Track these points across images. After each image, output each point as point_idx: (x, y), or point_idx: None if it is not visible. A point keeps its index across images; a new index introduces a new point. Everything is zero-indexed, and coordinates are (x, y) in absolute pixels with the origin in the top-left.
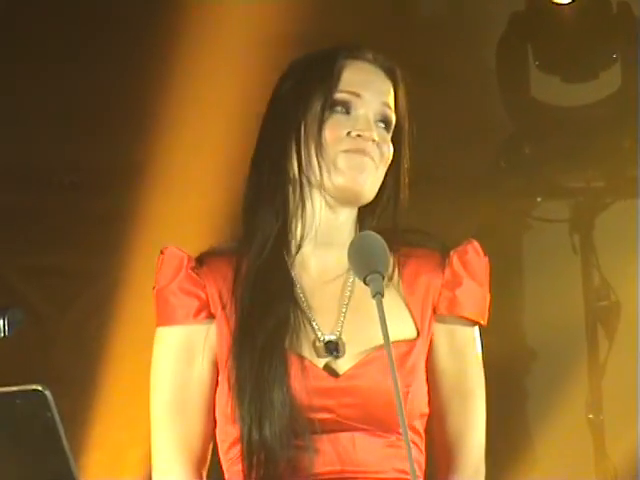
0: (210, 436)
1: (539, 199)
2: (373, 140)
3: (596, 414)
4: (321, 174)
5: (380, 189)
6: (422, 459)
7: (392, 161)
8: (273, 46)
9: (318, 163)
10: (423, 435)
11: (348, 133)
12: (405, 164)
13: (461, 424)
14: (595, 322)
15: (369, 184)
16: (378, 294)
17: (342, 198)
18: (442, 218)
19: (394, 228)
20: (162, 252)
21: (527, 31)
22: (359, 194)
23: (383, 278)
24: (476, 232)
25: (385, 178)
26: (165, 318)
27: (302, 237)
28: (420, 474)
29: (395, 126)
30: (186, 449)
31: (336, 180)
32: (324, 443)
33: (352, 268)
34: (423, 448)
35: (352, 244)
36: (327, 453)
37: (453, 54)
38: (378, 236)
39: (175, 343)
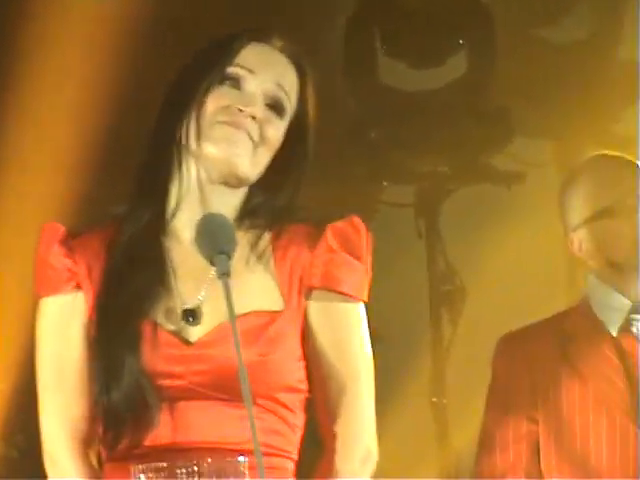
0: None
1: (385, 183)
2: (253, 117)
3: (439, 397)
4: (198, 143)
5: (273, 173)
6: (293, 436)
7: (291, 149)
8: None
9: (196, 132)
10: (295, 411)
11: (229, 105)
12: (307, 155)
13: (346, 403)
14: (439, 306)
15: (244, 160)
16: (224, 275)
17: (217, 171)
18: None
19: (274, 206)
20: (43, 227)
21: (374, 16)
22: (232, 167)
23: (229, 258)
24: (319, 216)
25: (278, 163)
26: (40, 289)
27: (177, 206)
28: (292, 451)
29: (299, 117)
30: (69, 428)
31: (208, 150)
32: (172, 411)
33: (199, 249)
34: (297, 424)
35: (199, 225)
36: (173, 421)
37: (299, 37)
38: (225, 217)
39: (50, 314)
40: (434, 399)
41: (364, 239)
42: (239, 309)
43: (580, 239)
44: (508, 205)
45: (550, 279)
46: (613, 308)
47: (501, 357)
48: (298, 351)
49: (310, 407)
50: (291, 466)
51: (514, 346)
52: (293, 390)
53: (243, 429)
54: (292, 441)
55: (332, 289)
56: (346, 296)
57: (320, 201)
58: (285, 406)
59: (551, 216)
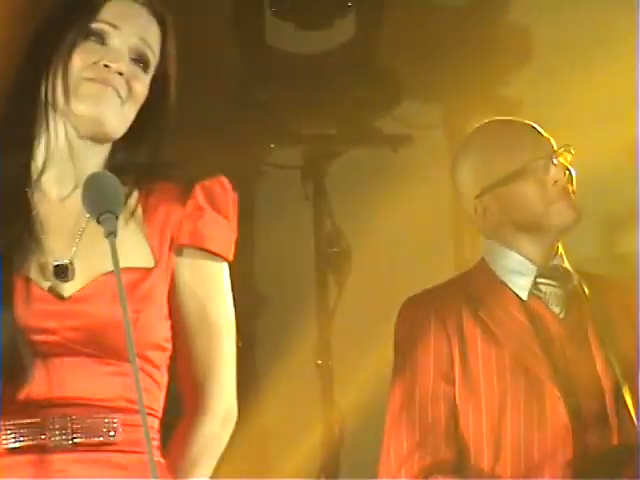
0: None
1: (272, 145)
2: (120, 73)
3: (325, 360)
4: (65, 101)
5: (136, 127)
6: (159, 394)
7: (153, 103)
8: None
9: (63, 89)
10: (161, 369)
11: (96, 62)
12: (169, 109)
13: (208, 364)
14: (325, 268)
15: (112, 117)
16: (111, 234)
17: (86, 128)
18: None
19: (143, 163)
20: None
21: None
22: (101, 125)
23: (116, 218)
24: (208, 175)
25: (140, 117)
26: None
27: (46, 162)
28: (158, 409)
29: (161, 71)
30: None
31: (76, 107)
32: (47, 367)
33: (85, 207)
34: (162, 383)
35: (86, 183)
36: (47, 377)
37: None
38: (112, 176)
39: None
40: (319, 361)
41: (231, 198)
42: (109, 266)
43: (485, 205)
44: (395, 168)
45: (437, 242)
46: (519, 272)
47: (410, 320)
48: (165, 309)
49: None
50: (157, 424)
51: (426, 307)
52: (160, 348)
53: (114, 386)
54: (158, 399)
55: (199, 247)
56: (213, 254)
57: (205, 162)
58: (153, 364)
59: (438, 179)
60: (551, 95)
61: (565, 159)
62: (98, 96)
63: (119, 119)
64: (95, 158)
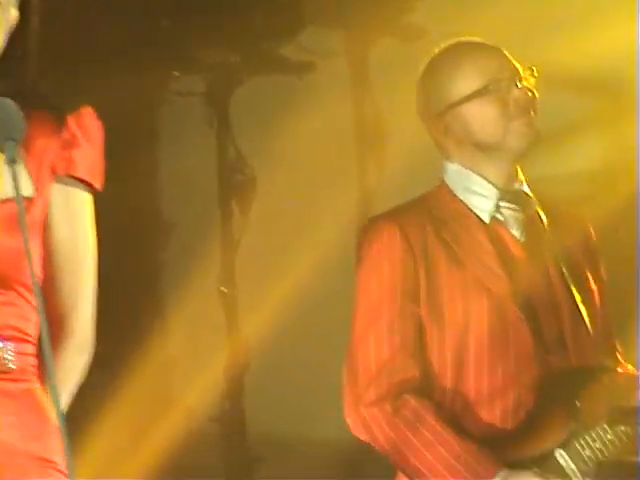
0: None
1: (176, 73)
2: None
3: (229, 287)
4: None
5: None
6: (36, 318)
7: (20, 28)
8: None
9: None
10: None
11: None
12: (33, 33)
13: (74, 293)
14: (230, 196)
15: None
16: (12, 162)
17: None
18: (73, 88)
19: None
20: None
21: None
22: None
23: (17, 145)
24: (111, 103)
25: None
26: None
27: None
28: (35, 335)
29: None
30: None
31: None
32: None
33: None
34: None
35: None
36: None
37: None
38: (12, 102)
39: None
40: (224, 289)
41: (98, 127)
42: (2, 194)
43: (447, 124)
44: (299, 95)
45: (341, 168)
46: (480, 195)
47: (376, 240)
48: (40, 236)
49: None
50: (34, 350)
51: (390, 228)
52: (37, 277)
53: (2, 315)
54: (36, 327)
55: (72, 175)
56: (85, 183)
57: (109, 91)
58: (32, 291)
59: (341, 106)
60: (457, 22)
61: (529, 82)
62: None
63: None
64: None
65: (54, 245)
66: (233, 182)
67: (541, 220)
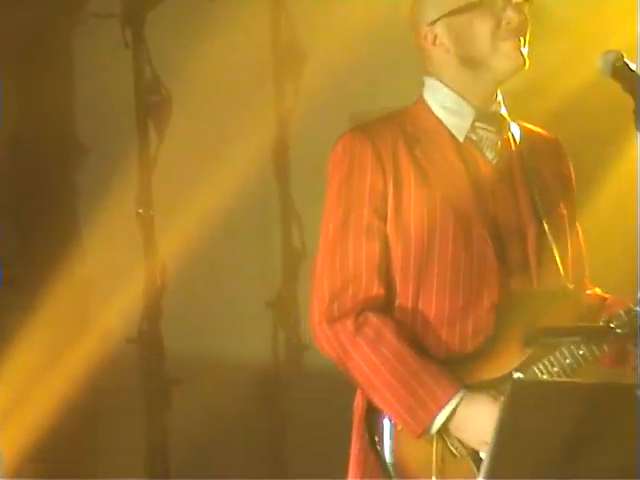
0: None
1: None
2: None
3: (146, 208)
4: None
5: None
6: None
7: None
8: None
9: None
10: None
11: None
12: None
13: None
14: (146, 117)
15: None
16: None
17: None
18: None
19: None
20: None
21: None
22: None
23: None
24: (26, 25)
25: None
26: None
27: None
28: None
29: None
30: None
31: None
32: None
33: None
34: None
35: None
36: None
37: None
38: None
39: None
40: (140, 210)
41: None
42: None
43: (436, 33)
44: (215, 14)
45: (256, 89)
46: (457, 113)
47: (347, 153)
48: None
49: None
50: None
51: (363, 142)
52: None
53: None
54: None
55: None
56: None
57: (23, 11)
58: None
59: (258, 27)
60: None
61: (524, 4)
62: None
63: None
64: None
65: None
66: (149, 103)
67: (516, 143)
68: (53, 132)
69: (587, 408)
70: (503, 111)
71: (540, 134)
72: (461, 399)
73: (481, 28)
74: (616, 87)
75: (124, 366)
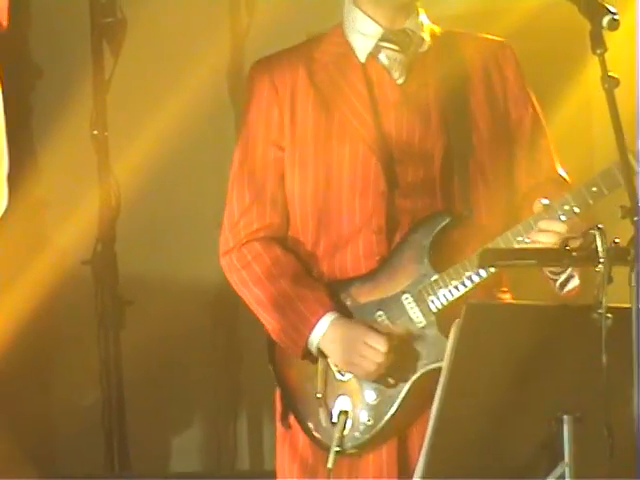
0: None
1: None
2: None
3: (100, 130)
4: None
5: None
6: None
7: None
8: None
9: None
10: None
11: None
12: None
13: None
14: (101, 38)
15: None
16: None
17: None
18: None
19: None
20: None
21: None
22: None
23: None
24: None
25: None
26: None
27: None
28: None
29: None
30: None
31: None
32: None
33: None
34: None
35: None
36: None
37: None
38: None
39: None
40: (95, 132)
41: None
42: None
43: None
44: None
45: (212, 11)
46: (364, 34)
47: (253, 81)
48: None
49: None
50: None
51: (266, 71)
52: None
53: None
54: None
55: None
56: None
57: None
58: None
59: None
60: None
61: None
62: None
63: None
64: None
65: None
66: (104, 25)
67: (437, 59)
68: (7, 53)
69: (542, 330)
70: (419, 27)
71: (477, 41)
72: (329, 321)
73: None
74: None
75: (79, 287)
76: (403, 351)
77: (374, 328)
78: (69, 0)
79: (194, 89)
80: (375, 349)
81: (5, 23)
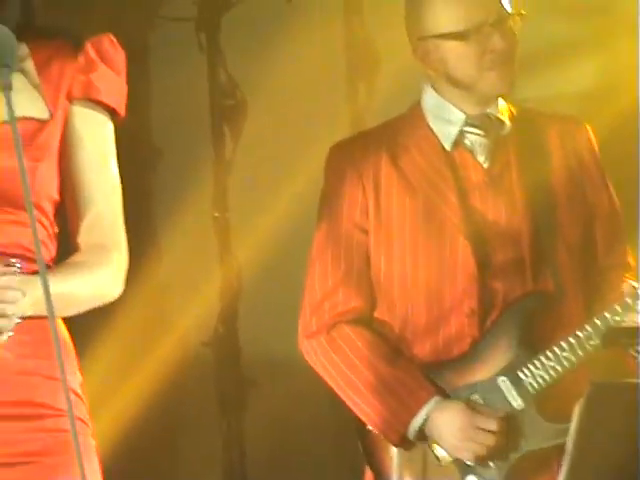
0: None
1: None
2: None
3: (221, 212)
4: None
5: None
6: (52, 247)
7: None
8: None
9: None
10: (52, 220)
11: None
12: None
13: (110, 217)
14: (221, 120)
15: None
16: (7, 88)
17: None
18: (72, 16)
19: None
20: None
21: None
22: None
23: (12, 71)
24: (101, 29)
25: None
26: None
27: None
28: (49, 257)
29: None
30: None
31: None
32: None
33: None
34: (52, 233)
35: None
36: None
37: None
38: (6, 29)
39: None
40: (216, 214)
41: (120, 55)
42: (8, 117)
43: (426, 50)
44: (289, 17)
45: (330, 92)
46: (447, 120)
47: (333, 164)
48: (56, 159)
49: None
50: None
51: (346, 153)
52: (52, 200)
53: (11, 234)
54: (52, 251)
55: (93, 99)
56: (106, 107)
57: (97, 17)
58: (47, 215)
59: (332, 29)
60: None
61: (515, 23)
62: None
63: None
64: None
65: (73, 164)
66: (224, 106)
67: (517, 141)
68: (129, 135)
69: None
70: (499, 111)
71: (554, 120)
72: (433, 406)
73: (465, 56)
74: None
75: (200, 368)
76: (504, 433)
77: (481, 411)
78: (189, 83)
79: (313, 169)
80: (486, 432)
81: (123, 113)
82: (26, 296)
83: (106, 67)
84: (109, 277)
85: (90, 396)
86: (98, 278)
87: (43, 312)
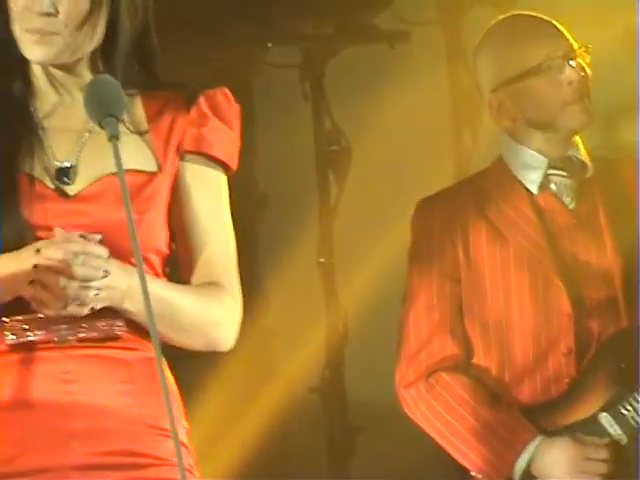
0: None
1: (269, 44)
2: (48, 14)
3: (327, 258)
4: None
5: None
6: None
7: (111, 19)
8: None
9: (18, 34)
10: (160, 272)
11: (26, 8)
12: (127, 17)
13: (225, 266)
14: (326, 167)
15: (65, 54)
16: (114, 137)
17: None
18: (173, 63)
19: (141, 71)
20: None
21: None
22: (56, 59)
23: (118, 121)
24: (206, 78)
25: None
26: None
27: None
28: None
29: None
30: None
31: (31, 55)
32: None
33: (88, 112)
34: None
35: (88, 88)
36: None
37: None
38: (113, 79)
39: None
40: (322, 259)
41: (234, 109)
42: (113, 167)
43: (500, 100)
44: (393, 64)
45: (436, 137)
46: (531, 166)
47: (420, 219)
48: (164, 212)
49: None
50: None
51: (434, 208)
52: (160, 253)
53: None
54: None
55: (205, 153)
56: (217, 161)
57: (204, 63)
58: (153, 267)
59: (436, 75)
60: None
61: (583, 59)
62: (39, 45)
63: (73, 50)
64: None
65: (185, 217)
66: (329, 153)
67: (597, 180)
68: (235, 181)
69: None
70: (580, 153)
71: (616, 162)
72: (537, 446)
73: (542, 92)
74: None
75: (307, 414)
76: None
77: (587, 442)
78: (293, 130)
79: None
80: (597, 461)
81: (235, 167)
82: (121, 282)
83: (219, 121)
84: (219, 314)
85: (196, 444)
86: (205, 305)
87: (140, 310)
